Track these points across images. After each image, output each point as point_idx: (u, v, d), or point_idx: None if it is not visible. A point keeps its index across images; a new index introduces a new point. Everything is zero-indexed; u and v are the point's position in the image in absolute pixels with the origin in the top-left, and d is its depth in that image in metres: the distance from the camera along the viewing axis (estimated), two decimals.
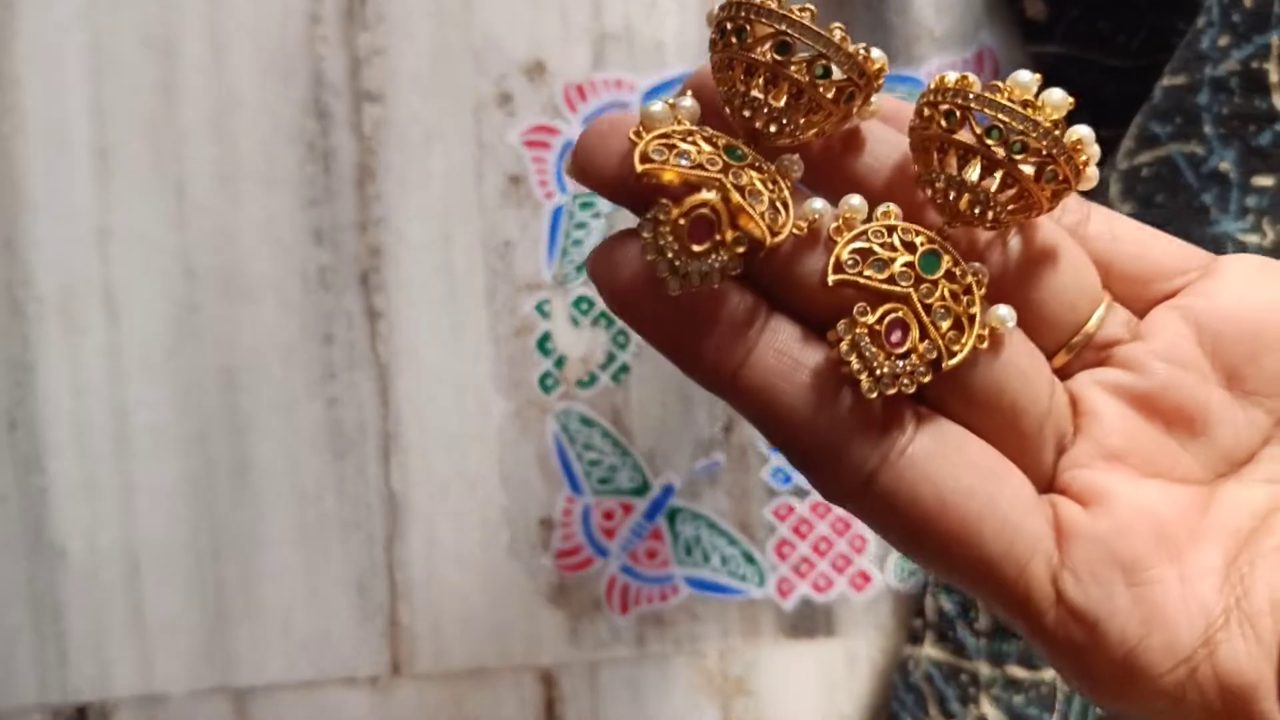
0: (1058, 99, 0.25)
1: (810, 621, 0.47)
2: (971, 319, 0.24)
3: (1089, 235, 0.26)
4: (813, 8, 0.24)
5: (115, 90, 0.46)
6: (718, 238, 0.23)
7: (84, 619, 0.46)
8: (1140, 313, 0.26)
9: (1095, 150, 0.25)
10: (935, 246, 0.25)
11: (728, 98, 0.25)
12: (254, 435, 0.46)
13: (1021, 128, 0.24)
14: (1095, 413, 0.25)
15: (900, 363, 0.24)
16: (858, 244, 0.24)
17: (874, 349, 0.24)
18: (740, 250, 0.23)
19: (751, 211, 0.23)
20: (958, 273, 0.24)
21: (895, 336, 0.24)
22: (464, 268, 0.46)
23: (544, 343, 0.46)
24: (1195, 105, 0.41)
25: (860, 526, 0.46)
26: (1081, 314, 0.26)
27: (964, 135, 0.24)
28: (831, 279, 0.24)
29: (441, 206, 0.46)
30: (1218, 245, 0.40)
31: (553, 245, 0.46)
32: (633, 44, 0.47)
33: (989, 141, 0.24)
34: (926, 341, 0.24)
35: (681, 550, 0.46)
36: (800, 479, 0.46)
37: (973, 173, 0.24)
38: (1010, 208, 0.24)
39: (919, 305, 0.24)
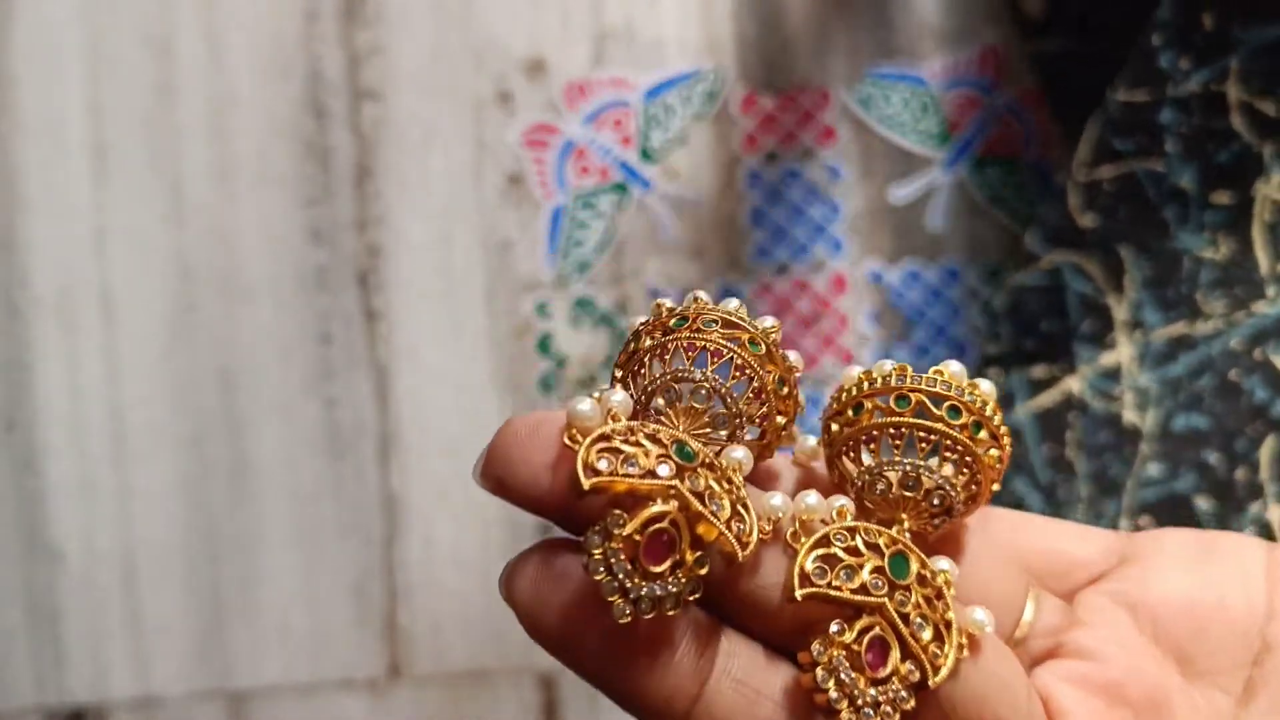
0: (986, 388, 0.23)
1: None
2: (949, 625, 0.22)
3: (992, 534, 0.25)
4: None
5: (112, 89, 0.46)
6: (677, 557, 0.20)
7: (81, 621, 0.46)
8: (1063, 599, 0.25)
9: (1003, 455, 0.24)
10: (901, 547, 0.22)
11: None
12: (251, 436, 0.46)
13: (970, 416, 0.23)
14: (1068, 712, 0.24)
15: (882, 688, 0.21)
16: (820, 550, 0.22)
17: (854, 674, 0.21)
18: (703, 571, 0.21)
19: (716, 523, 0.20)
20: (927, 574, 0.22)
21: (873, 657, 0.21)
22: (463, 268, 0.46)
23: (544, 343, 0.46)
24: (1157, 123, 0.41)
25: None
26: (1016, 606, 0.24)
27: (908, 419, 0.23)
28: (799, 594, 0.21)
29: (441, 206, 0.46)
30: (1176, 258, 0.41)
31: (553, 245, 0.46)
32: (633, 42, 0.46)
33: (952, 421, 0.22)
34: (909, 662, 0.21)
35: None
36: None
37: (934, 459, 0.22)
38: (964, 499, 0.23)
39: (895, 616, 0.21)
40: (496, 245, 0.46)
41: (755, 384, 0.22)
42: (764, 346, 0.22)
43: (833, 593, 0.21)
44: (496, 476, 0.22)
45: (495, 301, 0.46)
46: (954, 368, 0.23)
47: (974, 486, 0.23)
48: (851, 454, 0.23)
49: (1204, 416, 0.39)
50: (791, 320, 0.46)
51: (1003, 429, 0.23)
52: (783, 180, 0.46)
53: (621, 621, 0.20)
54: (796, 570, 0.21)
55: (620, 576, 0.20)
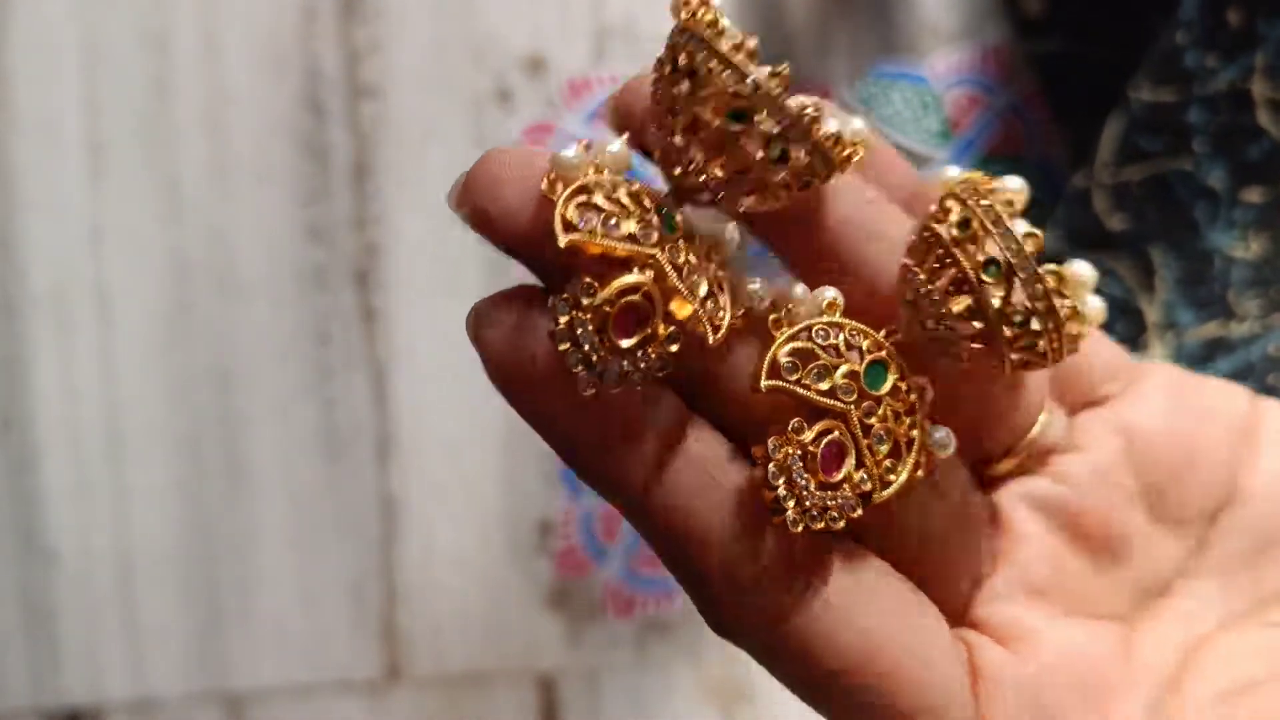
0: (1085, 274, 0.22)
1: None
2: (910, 444, 0.21)
3: None
4: (785, 70, 0.20)
5: (108, 86, 0.45)
6: (648, 331, 0.20)
7: (76, 622, 0.45)
8: (1067, 413, 0.25)
9: (1093, 320, 0.22)
10: (884, 355, 0.21)
11: (660, 143, 0.21)
12: (249, 436, 0.46)
13: (1025, 281, 0.21)
14: (1022, 536, 0.23)
15: (832, 494, 0.20)
16: (797, 343, 0.21)
17: (806, 475, 0.20)
18: (673, 349, 0.20)
19: (692, 300, 0.20)
20: (903, 388, 0.21)
21: (827, 460, 0.21)
22: (463, 267, 0.46)
23: None
24: (1185, 122, 0.41)
25: None
26: (1030, 418, 0.24)
27: (965, 256, 0.21)
28: (764, 384, 0.20)
29: (440, 204, 0.46)
30: (1207, 258, 0.41)
31: None
32: (634, 38, 0.46)
33: (986, 279, 0.21)
34: (861, 471, 0.21)
35: None
36: None
37: (956, 305, 0.21)
38: (970, 354, 0.22)
39: (858, 425, 0.21)
40: None
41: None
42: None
43: (799, 390, 0.21)
44: (473, 205, 0.21)
45: None
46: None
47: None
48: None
49: None
50: None
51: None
52: None
53: (586, 394, 0.20)
54: (767, 360, 0.21)
55: (586, 348, 0.19)
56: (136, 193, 0.46)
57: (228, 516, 0.46)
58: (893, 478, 0.21)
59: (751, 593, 0.21)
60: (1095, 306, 0.23)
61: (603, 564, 0.46)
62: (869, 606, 0.21)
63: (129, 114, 0.46)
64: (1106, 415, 0.25)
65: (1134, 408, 0.25)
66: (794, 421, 0.21)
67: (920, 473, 0.21)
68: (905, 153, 0.46)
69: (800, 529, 0.20)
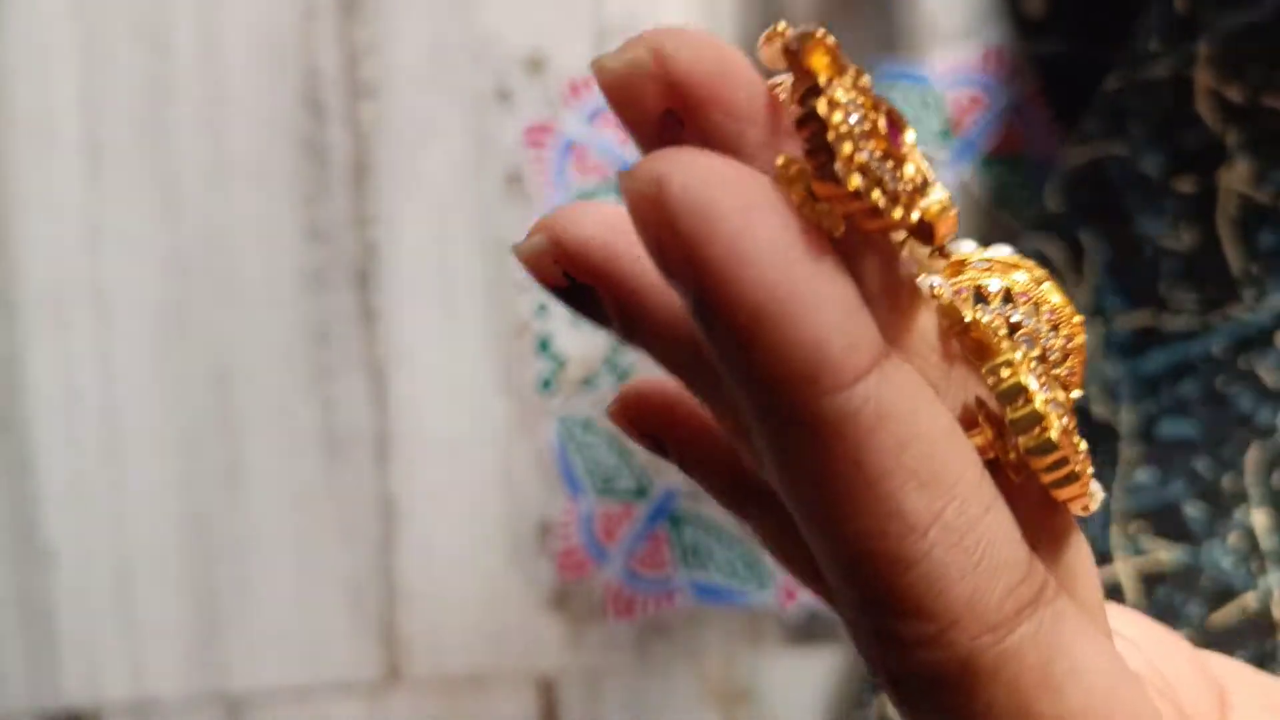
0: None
1: (814, 628, 0.46)
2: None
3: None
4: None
5: (106, 85, 0.45)
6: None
7: (75, 623, 0.45)
8: None
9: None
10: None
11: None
12: (247, 437, 0.45)
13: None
14: None
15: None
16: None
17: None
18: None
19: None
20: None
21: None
22: (462, 267, 0.46)
23: (543, 343, 0.46)
24: (1125, 107, 0.41)
25: None
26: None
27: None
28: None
29: (439, 204, 0.46)
30: (1137, 245, 0.40)
31: None
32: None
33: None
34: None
35: (684, 555, 0.46)
36: None
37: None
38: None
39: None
40: (496, 244, 0.46)
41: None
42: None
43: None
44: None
45: (494, 301, 0.46)
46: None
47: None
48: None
49: (1190, 424, 0.39)
50: None
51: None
52: None
53: (895, 215, 0.16)
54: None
55: (874, 160, 0.16)
56: (135, 192, 0.45)
57: (226, 517, 0.46)
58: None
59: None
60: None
61: (603, 565, 0.46)
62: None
63: (127, 113, 0.45)
64: None
65: None
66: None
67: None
68: None
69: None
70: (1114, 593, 0.39)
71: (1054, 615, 0.17)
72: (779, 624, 0.46)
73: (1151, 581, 0.39)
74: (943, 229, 0.16)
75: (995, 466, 0.17)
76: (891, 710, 0.43)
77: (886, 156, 0.16)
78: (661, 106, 0.17)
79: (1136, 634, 0.21)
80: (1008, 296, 0.18)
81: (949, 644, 0.16)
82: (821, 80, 0.16)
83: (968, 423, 0.17)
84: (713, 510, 0.46)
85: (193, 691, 0.46)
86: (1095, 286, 0.41)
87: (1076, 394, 0.18)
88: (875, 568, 0.16)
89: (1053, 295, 0.19)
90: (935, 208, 0.16)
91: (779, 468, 0.16)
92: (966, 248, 0.19)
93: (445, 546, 0.46)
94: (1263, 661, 0.37)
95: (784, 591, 0.46)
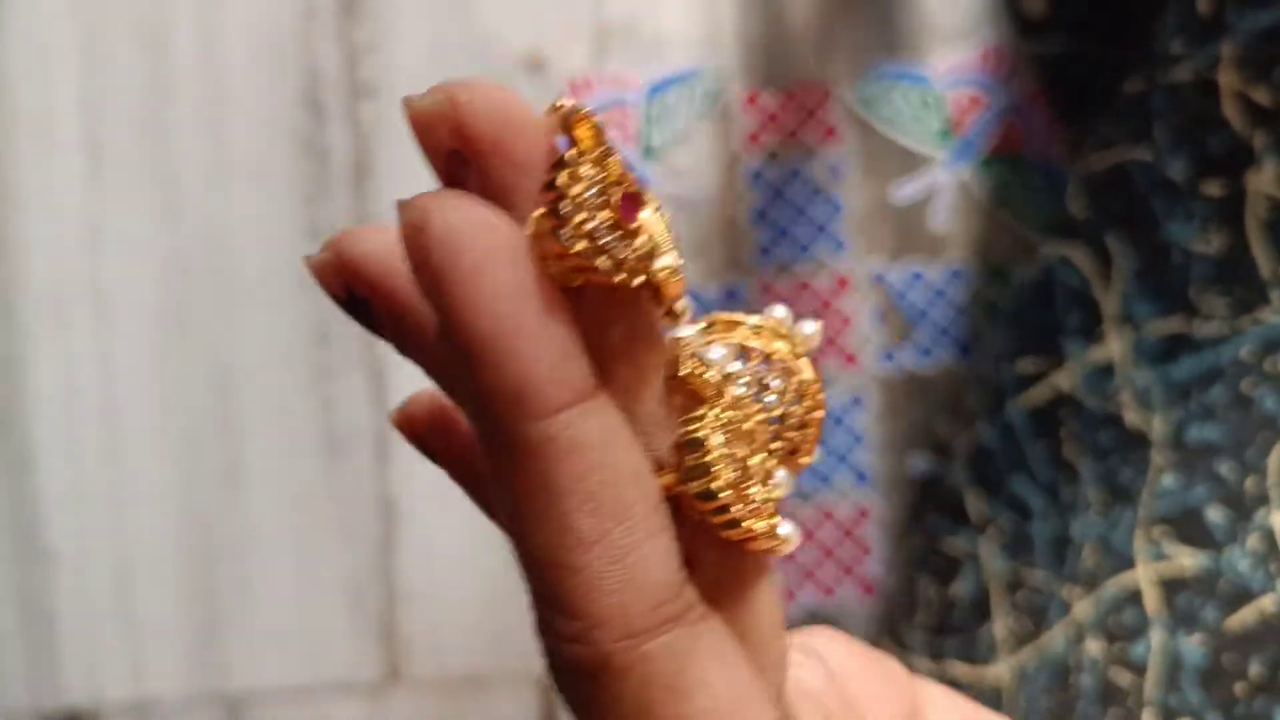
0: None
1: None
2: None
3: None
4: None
5: (106, 85, 0.45)
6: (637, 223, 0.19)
7: (75, 623, 0.45)
8: None
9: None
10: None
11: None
12: (247, 437, 0.45)
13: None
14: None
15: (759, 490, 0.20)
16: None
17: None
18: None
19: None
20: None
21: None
22: None
23: None
24: (1149, 110, 0.41)
25: (863, 532, 0.46)
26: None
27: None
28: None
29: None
30: (1166, 251, 0.40)
31: None
32: (634, 37, 0.46)
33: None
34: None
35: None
36: (802, 482, 0.46)
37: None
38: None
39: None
40: None
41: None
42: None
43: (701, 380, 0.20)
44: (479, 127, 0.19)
45: None
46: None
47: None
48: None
49: (1217, 428, 0.39)
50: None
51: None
52: (784, 179, 0.46)
53: (616, 278, 0.18)
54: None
55: (601, 229, 0.18)
56: (135, 192, 0.45)
57: (226, 517, 0.46)
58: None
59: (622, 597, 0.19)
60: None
61: None
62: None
63: (127, 113, 0.45)
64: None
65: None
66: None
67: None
68: (906, 152, 0.46)
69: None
70: (1133, 598, 0.39)
71: (693, 634, 0.19)
72: None
73: (1173, 588, 0.39)
74: (669, 293, 0.19)
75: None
76: None
77: (616, 227, 0.18)
78: (451, 147, 0.20)
79: (836, 656, 0.24)
80: (765, 358, 0.21)
81: (592, 641, 0.19)
82: (569, 155, 0.19)
83: (662, 464, 0.20)
84: None
85: (193, 691, 0.46)
86: (1124, 293, 0.41)
87: (805, 460, 0.21)
88: (547, 571, 0.19)
89: (805, 370, 0.21)
90: (661, 274, 0.19)
91: (492, 479, 0.19)
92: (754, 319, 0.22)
93: (445, 546, 0.46)
94: (1279, 666, 0.37)
95: (784, 592, 0.46)
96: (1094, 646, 0.40)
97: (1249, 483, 0.38)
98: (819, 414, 0.22)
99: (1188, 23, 0.40)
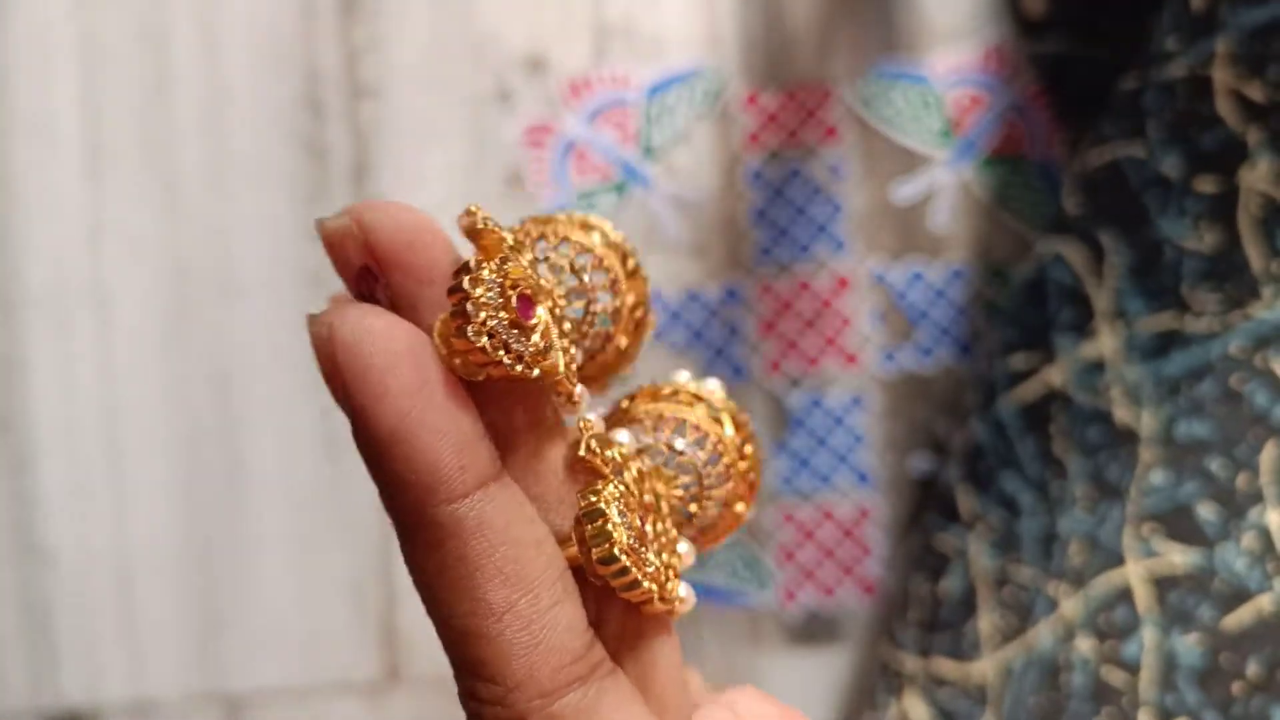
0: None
1: (814, 629, 0.46)
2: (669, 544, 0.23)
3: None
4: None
5: (107, 85, 0.45)
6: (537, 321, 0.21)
7: (75, 623, 0.45)
8: None
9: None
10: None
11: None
12: (247, 437, 0.46)
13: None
14: None
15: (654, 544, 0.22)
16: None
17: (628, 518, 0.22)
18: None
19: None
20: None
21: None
22: None
23: None
24: (1141, 107, 0.41)
25: (865, 531, 0.46)
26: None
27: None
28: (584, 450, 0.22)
29: (439, 204, 0.46)
30: (1158, 247, 0.40)
31: None
32: (634, 37, 0.46)
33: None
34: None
35: None
36: (802, 482, 0.46)
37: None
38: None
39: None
40: None
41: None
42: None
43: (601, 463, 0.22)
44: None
45: None
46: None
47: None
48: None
49: (1206, 424, 0.39)
50: (792, 320, 0.46)
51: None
52: (784, 179, 0.46)
53: (516, 370, 0.20)
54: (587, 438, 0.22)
55: (501, 326, 0.20)
56: (135, 192, 0.46)
57: (226, 517, 0.46)
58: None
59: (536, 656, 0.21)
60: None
61: None
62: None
63: (128, 113, 0.45)
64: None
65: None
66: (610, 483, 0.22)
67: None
68: (907, 152, 0.46)
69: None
70: (1124, 596, 0.39)
71: (599, 690, 0.21)
72: (779, 625, 0.46)
73: (1164, 585, 0.39)
74: (560, 387, 0.21)
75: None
76: (913, 713, 0.43)
77: (515, 325, 0.20)
78: (360, 262, 0.22)
79: (751, 712, 0.26)
80: (680, 423, 0.23)
81: (510, 704, 0.21)
82: (473, 262, 0.21)
83: (566, 536, 0.22)
84: None
85: (192, 691, 0.46)
86: (1116, 290, 0.41)
87: (742, 508, 0.24)
88: (464, 640, 0.21)
89: (726, 428, 0.24)
90: (550, 368, 0.21)
91: (407, 559, 0.21)
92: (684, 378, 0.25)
93: None
94: (1278, 665, 0.37)
95: (784, 592, 0.46)
96: (1084, 645, 0.40)
97: (1241, 480, 0.38)
98: (742, 466, 0.24)
99: (1181, 19, 0.40)
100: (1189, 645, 0.38)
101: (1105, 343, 0.41)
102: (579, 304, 0.23)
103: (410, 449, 0.20)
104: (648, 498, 0.23)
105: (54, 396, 0.45)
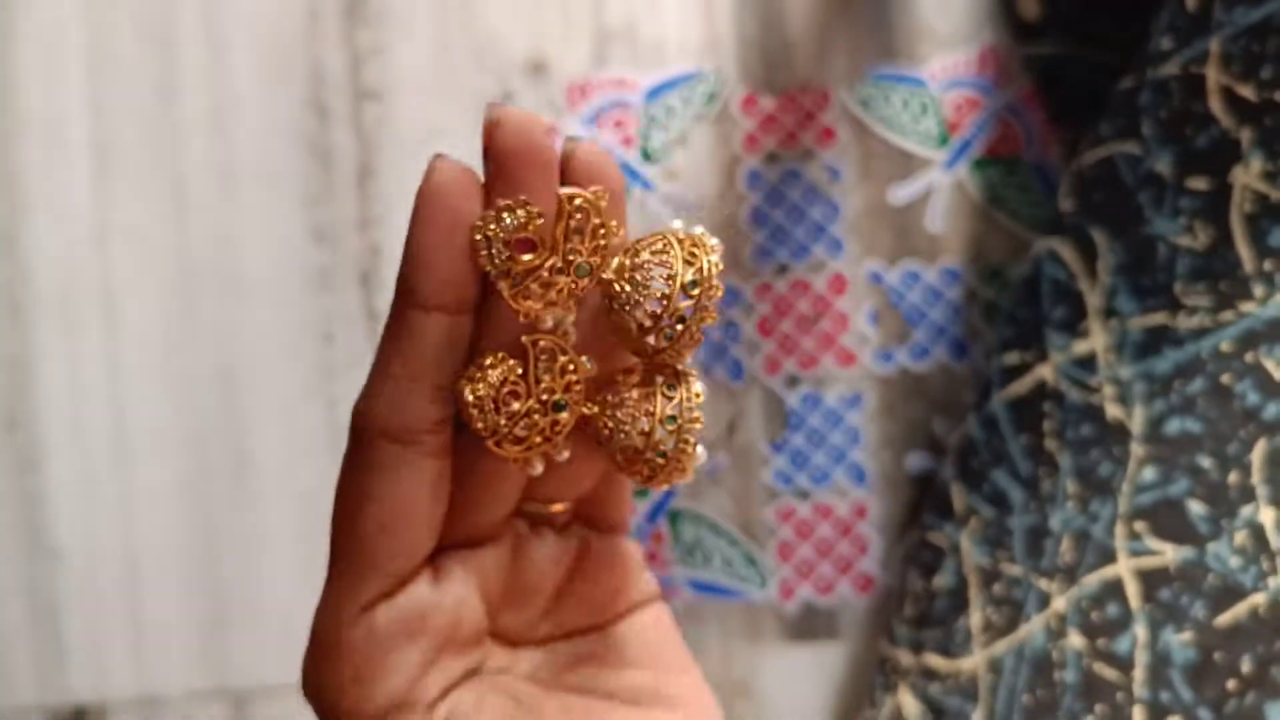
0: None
1: (812, 624, 0.46)
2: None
3: None
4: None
5: (114, 87, 0.46)
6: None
7: (82, 620, 0.46)
8: None
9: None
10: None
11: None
12: (253, 436, 0.46)
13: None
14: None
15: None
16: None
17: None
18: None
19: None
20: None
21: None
22: None
23: None
24: (1137, 105, 0.40)
25: (862, 529, 0.46)
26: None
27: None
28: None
29: None
30: (1151, 245, 0.40)
31: None
32: (634, 41, 0.46)
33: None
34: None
35: (683, 552, 0.46)
36: (802, 481, 0.46)
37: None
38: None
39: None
40: None
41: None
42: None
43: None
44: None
45: None
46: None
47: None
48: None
49: (1197, 420, 0.39)
50: (791, 320, 0.46)
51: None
52: (783, 181, 0.46)
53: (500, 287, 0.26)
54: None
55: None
56: (142, 194, 0.46)
57: (232, 515, 0.46)
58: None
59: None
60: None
61: None
62: None
63: (134, 116, 0.46)
64: None
65: None
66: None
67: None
68: (904, 154, 0.46)
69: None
70: (1114, 592, 0.39)
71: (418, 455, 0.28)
72: (777, 620, 0.46)
73: (1155, 581, 0.39)
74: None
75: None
76: (905, 709, 0.43)
77: (508, 247, 0.26)
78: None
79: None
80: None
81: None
82: (513, 202, 0.27)
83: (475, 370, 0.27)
84: (712, 508, 0.46)
85: (199, 687, 0.46)
86: (1109, 287, 0.41)
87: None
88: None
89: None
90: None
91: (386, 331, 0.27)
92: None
93: None
94: (1271, 662, 0.37)
95: (782, 588, 0.46)
96: (1075, 640, 0.39)
97: (1231, 477, 0.38)
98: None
99: (1176, 19, 0.40)
100: (1181, 642, 0.38)
101: (1097, 339, 0.41)
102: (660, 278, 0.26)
103: (423, 252, 0.26)
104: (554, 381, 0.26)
105: (62, 396, 0.46)
